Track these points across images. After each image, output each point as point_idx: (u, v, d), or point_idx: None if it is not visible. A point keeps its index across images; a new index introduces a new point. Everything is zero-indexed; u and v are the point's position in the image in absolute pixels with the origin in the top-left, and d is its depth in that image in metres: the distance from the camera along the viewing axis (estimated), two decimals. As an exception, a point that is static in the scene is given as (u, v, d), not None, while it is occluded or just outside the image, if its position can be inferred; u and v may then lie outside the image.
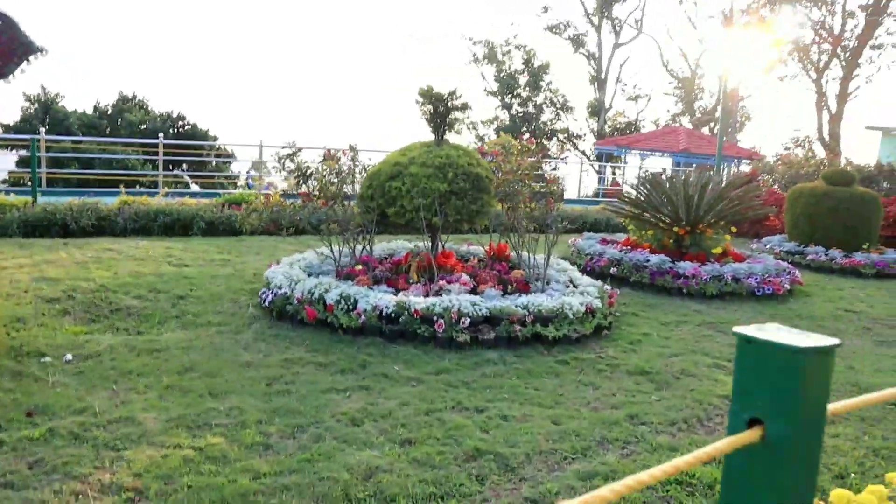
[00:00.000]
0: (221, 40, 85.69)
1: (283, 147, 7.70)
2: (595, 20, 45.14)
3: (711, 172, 10.88)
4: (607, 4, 44.13)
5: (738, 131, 46.36)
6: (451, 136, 7.89)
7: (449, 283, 7.31)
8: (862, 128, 26.05)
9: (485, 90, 46.21)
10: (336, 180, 7.57)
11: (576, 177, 30.20)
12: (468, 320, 6.44)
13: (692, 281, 8.92)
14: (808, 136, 32.52)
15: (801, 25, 33.24)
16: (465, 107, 7.82)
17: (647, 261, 9.27)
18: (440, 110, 7.77)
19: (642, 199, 10.20)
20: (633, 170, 29.35)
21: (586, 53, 45.42)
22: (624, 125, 44.97)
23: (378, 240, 9.63)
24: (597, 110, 44.43)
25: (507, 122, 43.90)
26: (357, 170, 7.91)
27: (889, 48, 31.66)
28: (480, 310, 6.56)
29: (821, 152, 29.83)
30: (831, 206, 12.41)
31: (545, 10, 45.68)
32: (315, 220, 7.55)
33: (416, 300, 6.59)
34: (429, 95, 7.73)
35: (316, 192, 7.43)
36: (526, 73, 44.17)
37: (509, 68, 45.10)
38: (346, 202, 7.71)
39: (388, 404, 5.01)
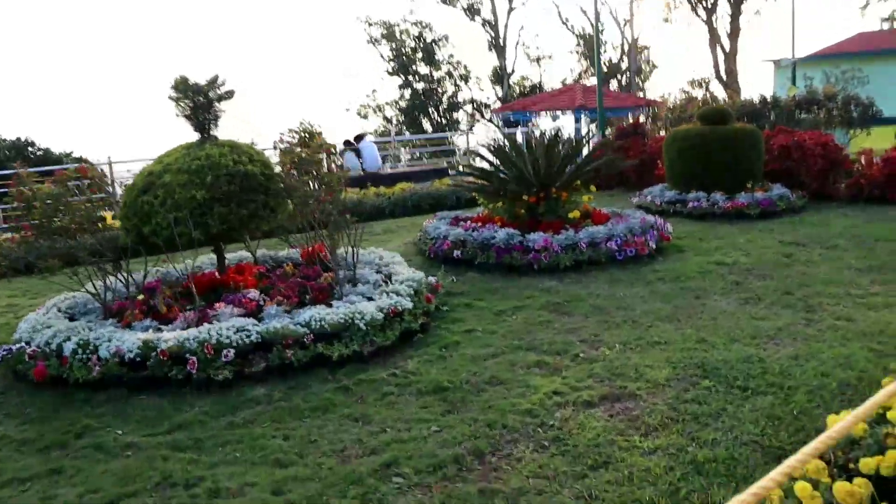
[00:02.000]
0: (75, 59, 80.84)
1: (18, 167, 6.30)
2: (487, -14, 44.04)
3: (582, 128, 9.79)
4: (497, -32, 43.07)
5: (646, 80, 45.92)
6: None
7: (230, 303, 6.05)
8: (758, 62, 25.57)
9: (386, 71, 44.79)
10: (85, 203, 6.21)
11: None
12: (232, 352, 5.19)
13: (543, 254, 7.79)
14: (705, 77, 32.00)
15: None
16: (230, 95, 6.53)
17: (493, 238, 8.12)
18: (201, 103, 6.46)
19: (488, 167, 9.06)
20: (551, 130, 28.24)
21: (482, 21, 44.33)
22: (529, 88, 44.03)
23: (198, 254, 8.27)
24: (500, 77, 43.41)
25: (409, 101, 42.63)
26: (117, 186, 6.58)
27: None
28: (250, 336, 5.31)
29: (721, 91, 29.31)
30: (707, 146, 11.41)
31: (435, -19, 44.41)
32: (33, 257, 6.16)
33: (168, 336, 5.31)
34: (184, 87, 6.40)
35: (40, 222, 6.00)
36: (420, 49, 42.87)
37: (406, 46, 43.75)
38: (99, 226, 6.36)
39: (69, 495, 3.75)
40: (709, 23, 33.07)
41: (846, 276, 7.28)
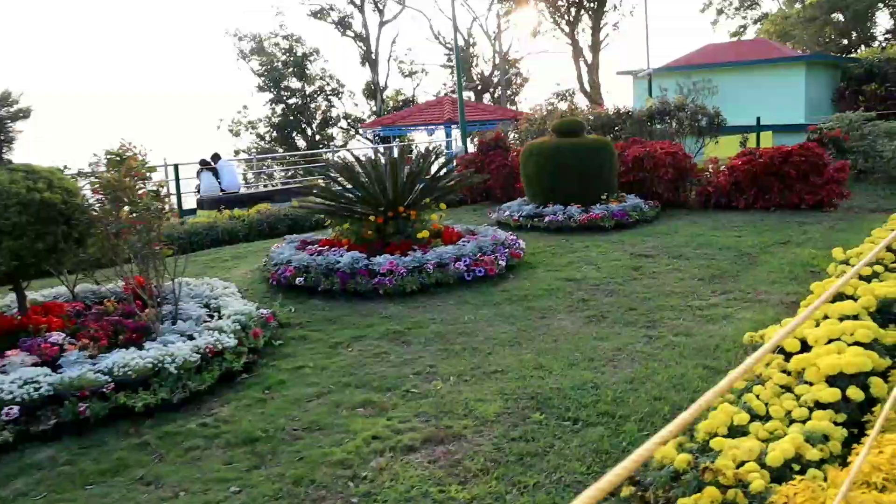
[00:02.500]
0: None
1: None
2: (357, 0, 43.67)
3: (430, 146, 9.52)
4: (366, -19, 42.76)
5: (517, 93, 46.69)
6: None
7: (27, 349, 5.38)
8: (619, 74, 26.37)
9: (257, 86, 43.61)
10: None
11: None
12: (16, 409, 4.56)
13: (388, 278, 7.45)
14: (570, 89, 32.79)
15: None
16: (27, 113, 5.88)
17: (338, 262, 7.71)
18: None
19: (335, 187, 8.66)
20: (422, 147, 28.03)
21: (353, 35, 43.92)
22: (402, 102, 43.92)
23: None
24: (373, 91, 43.09)
25: (281, 116, 41.67)
26: None
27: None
28: (39, 388, 4.69)
29: (584, 103, 30.04)
30: (563, 159, 11.42)
31: (305, -5, 43.62)
32: None
33: (-63, 395, 4.62)
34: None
35: None
36: (291, 64, 42.02)
37: (276, 60, 42.78)
38: None
39: None
40: (571, 36, 33.95)
41: (689, 286, 7.33)
